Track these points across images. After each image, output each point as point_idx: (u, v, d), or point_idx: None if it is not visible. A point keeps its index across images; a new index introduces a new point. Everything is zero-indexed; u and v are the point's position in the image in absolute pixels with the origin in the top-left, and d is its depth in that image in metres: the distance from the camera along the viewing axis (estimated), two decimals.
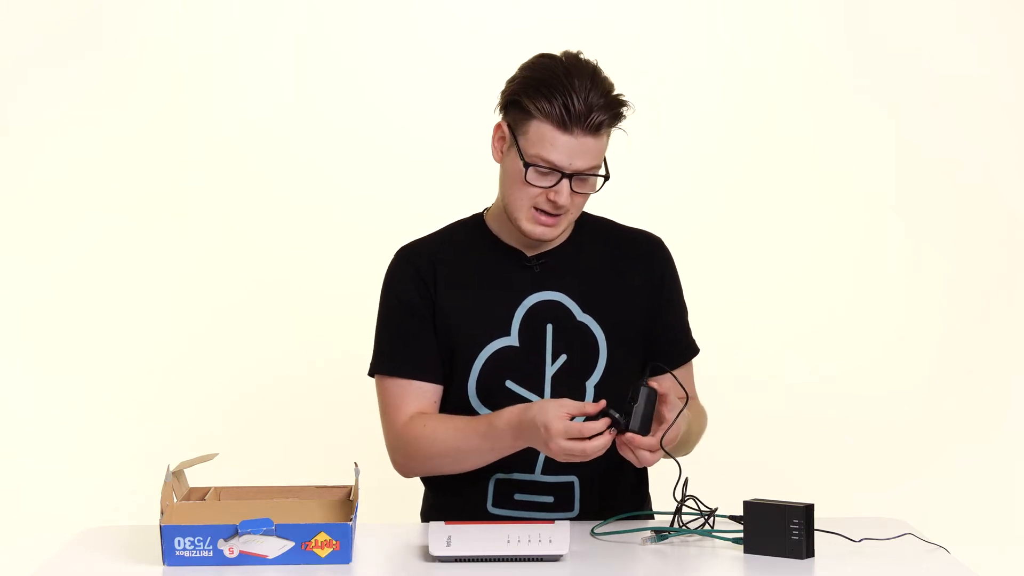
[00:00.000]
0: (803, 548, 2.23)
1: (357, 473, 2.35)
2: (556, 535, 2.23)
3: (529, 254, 2.56)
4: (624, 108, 2.46)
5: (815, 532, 2.25)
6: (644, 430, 2.32)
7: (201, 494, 2.41)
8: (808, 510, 2.24)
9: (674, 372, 2.51)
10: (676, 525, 2.35)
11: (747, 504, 2.28)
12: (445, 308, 2.55)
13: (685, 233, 4.16)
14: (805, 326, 4.17)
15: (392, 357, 2.55)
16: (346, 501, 2.36)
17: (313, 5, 4.14)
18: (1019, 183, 4.17)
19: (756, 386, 4.13)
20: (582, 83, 2.40)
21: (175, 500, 2.31)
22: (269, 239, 4.13)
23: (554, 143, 2.41)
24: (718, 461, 3.84)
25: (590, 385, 2.55)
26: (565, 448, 2.31)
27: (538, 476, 2.54)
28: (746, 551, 2.27)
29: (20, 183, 4.11)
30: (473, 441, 2.45)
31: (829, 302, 4.18)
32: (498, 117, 2.50)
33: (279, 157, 4.12)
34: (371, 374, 2.59)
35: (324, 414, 4.02)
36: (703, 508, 2.37)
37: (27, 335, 4.12)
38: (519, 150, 2.44)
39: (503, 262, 2.56)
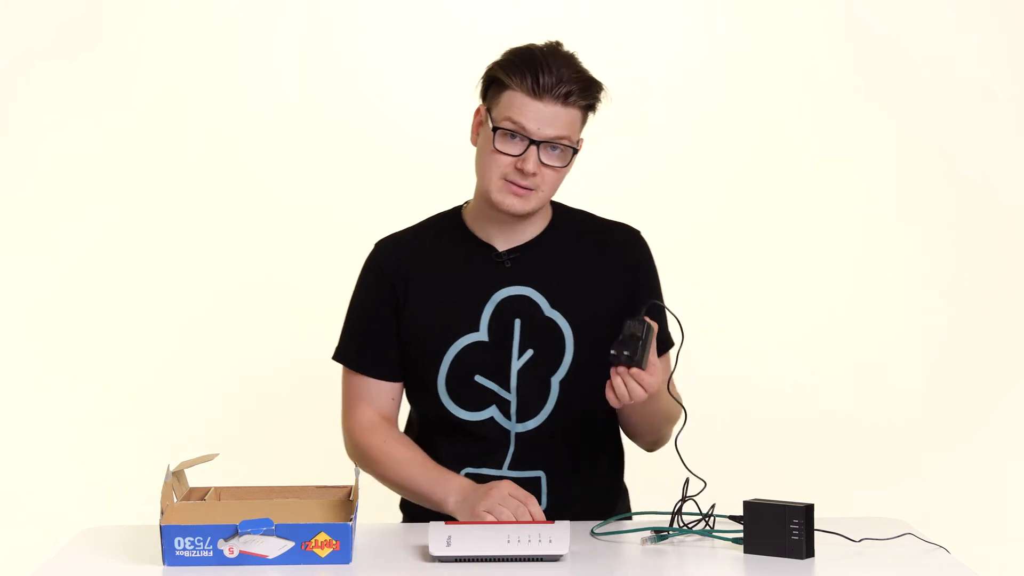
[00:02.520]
0: (803, 548, 2.23)
1: (357, 473, 2.35)
2: (556, 535, 2.23)
3: (501, 248, 2.58)
4: (597, 89, 2.52)
5: (815, 532, 2.25)
6: (642, 367, 2.36)
7: (201, 494, 2.41)
8: (808, 510, 2.24)
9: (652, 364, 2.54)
10: (676, 525, 2.35)
11: (747, 504, 2.28)
12: (415, 302, 2.57)
13: (685, 233, 4.17)
14: (805, 326, 4.17)
15: (355, 351, 2.63)
16: (346, 501, 2.36)
17: (313, 4, 4.14)
18: (1019, 183, 4.17)
19: (756, 386, 4.13)
20: (556, 60, 2.48)
21: (175, 500, 2.30)
22: (270, 238, 4.13)
23: (523, 108, 2.46)
24: (718, 461, 3.84)
25: (555, 380, 2.56)
26: (504, 497, 2.39)
27: (505, 471, 2.56)
28: (746, 551, 2.27)
29: (20, 183, 4.11)
30: (414, 475, 2.54)
31: (829, 302, 4.18)
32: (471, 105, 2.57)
33: (279, 156, 4.13)
34: (334, 358, 2.66)
35: (324, 414, 4.02)
36: (700, 509, 2.37)
37: (27, 335, 4.12)
38: (491, 120, 2.49)
39: (474, 257, 2.58)
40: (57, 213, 4.11)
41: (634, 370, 2.36)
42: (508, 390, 2.56)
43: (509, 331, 2.56)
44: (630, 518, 2.50)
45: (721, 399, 4.10)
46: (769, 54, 4.17)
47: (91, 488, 4.07)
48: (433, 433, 2.62)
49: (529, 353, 2.56)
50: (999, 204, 4.16)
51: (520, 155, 2.47)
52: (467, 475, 2.56)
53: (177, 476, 2.35)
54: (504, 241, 2.58)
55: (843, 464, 4.10)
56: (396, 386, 2.63)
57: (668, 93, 4.16)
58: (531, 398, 2.56)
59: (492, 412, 2.56)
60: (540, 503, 2.55)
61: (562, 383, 2.56)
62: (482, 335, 2.56)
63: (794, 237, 4.18)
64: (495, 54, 2.56)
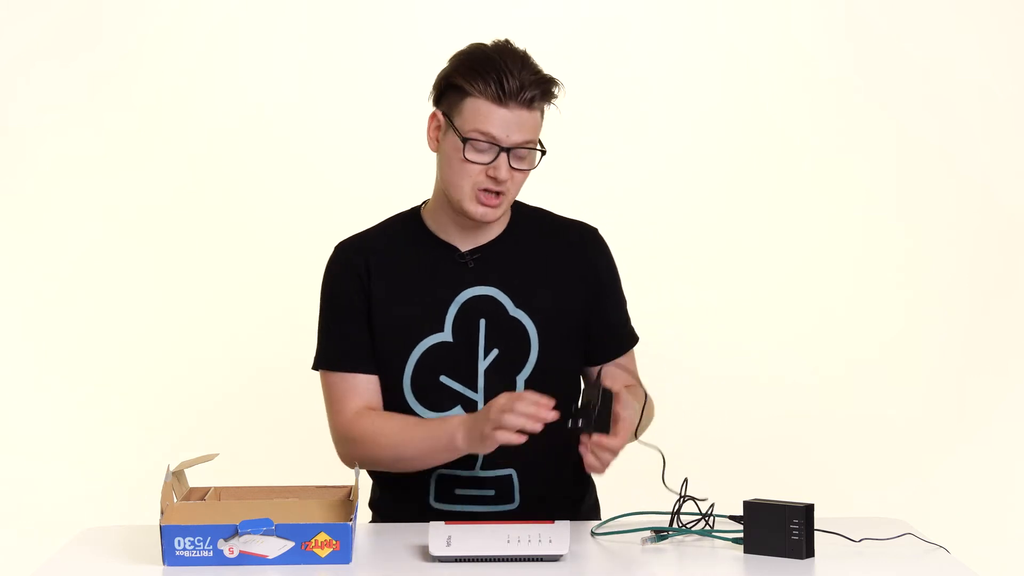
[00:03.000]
0: (803, 548, 2.23)
1: (357, 473, 2.35)
2: (556, 535, 2.23)
3: (463, 249, 2.58)
4: (554, 87, 2.50)
5: (815, 532, 2.25)
6: (606, 430, 2.34)
7: (201, 494, 2.41)
8: (808, 510, 2.24)
9: (619, 360, 2.61)
10: (676, 525, 2.35)
11: (747, 504, 2.28)
12: (379, 304, 2.57)
13: (685, 233, 4.17)
14: (805, 326, 4.17)
15: (332, 352, 2.60)
16: (346, 501, 2.36)
17: (313, 4, 4.14)
18: (1019, 183, 4.17)
19: (756, 386, 4.14)
20: (514, 62, 2.46)
21: (175, 500, 2.31)
22: (270, 238, 4.14)
23: (490, 117, 2.45)
24: (718, 461, 3.85)
25: (520, 379, 2.56)
26: (507, 405, 2.33)
27: (477, 472, 2.56)
28: (746, 551, 2.27)
29: (20, 183, 4.11)
30: (416, 433, 2.49)
31: (829, 302, 4.18)
32: (431, 109, 2.56)
33: (279, 156, 4.13)
34: (314, 368, 2.64)
35: (324, 414, 4.02)
36: (701, 508, 2.37)
37: (27, 335, 4.12)
38: (456, 131, 2.47)
39: (437, 258, 2.58)
40: (57, 213, 4.11)
41: (595, 437, 2.34)
42: (475, 390, 2.55)
43: (474, 331, 2.55)
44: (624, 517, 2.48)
45: (721, 399, 4.10)
46: (769, 54, 4.17)
47: (91, 488, 4.07)
48: None
49: (495, 353, 2.55)
50: (999, 204, 4.17)
51: (491, 163, 2.47)
52: (439, 476, 2.56)
53: (177, 476, 2.35)
54: (466, 241, 2.58)
55: (843, 464, 4.11)
56: (376, 380, 2.61)
57: (668, 93, 4.16)
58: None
59: (457, 412, 2.55)
60: (512, 500, 2.56)
61: (527, 382, 2.56)
62: (447, 335, 2.55)
63: (794, 237, 4.19)
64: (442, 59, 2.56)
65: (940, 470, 4.14)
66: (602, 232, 2.68)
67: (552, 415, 2.34)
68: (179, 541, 2.20)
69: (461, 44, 2.57)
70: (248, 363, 4.12)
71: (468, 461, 2.55)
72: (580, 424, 2.35)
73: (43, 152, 4.11)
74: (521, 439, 2.34)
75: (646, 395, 2.62)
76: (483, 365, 2.56)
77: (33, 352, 4.12)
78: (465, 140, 2.46)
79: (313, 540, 2.21)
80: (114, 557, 2.30)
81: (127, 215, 4.12)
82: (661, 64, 4.16)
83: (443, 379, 2.55)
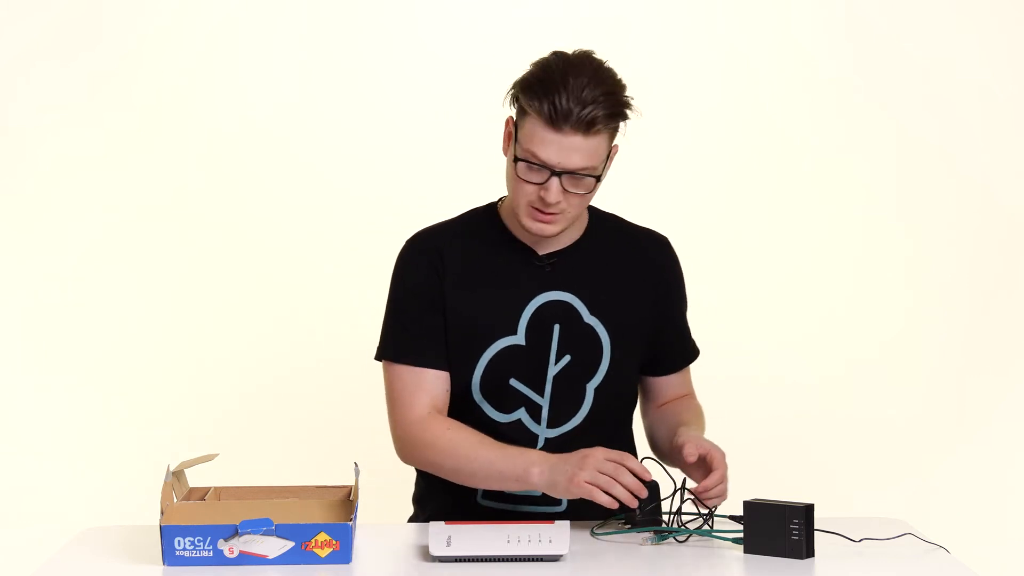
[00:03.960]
0: (803, 548, 2.23)
1: (357, 473, 2.35)
2: (556, 535, 2.23)
3: (540, 252, 2.55)
4: (622, 107, 2.42)
5: (815, 532, 2.25)
6: (657, 522, 2.36)
7: (201, 494, 2.41)
8: (808, 510, 2.24)
9: (678, 373, 2.64)
10: (676, 525, 2.35)
11: (747, 504, 2.28)
12: (453, 301, 2.54)
13: (685, 233, 4.15)
14: (805, 326, 4.17)
15: (402, 344, 2.54)
16: (346, 501, 2.36)
17: (313, 5, 4.14)
18: (1019, 183, 4.17)
19: (756, 386, 4.13)
20: (577, 81, 2.37)
21: (175, 500, 2.31)
22: (269, 238, 4.13)
23: (543, 140, 2.39)
24: None
25: (590, 387, 2.55)
26: (600, 462, 2.30)
27: None
28: (746, 551, 2.27)
29: (20, 183, 4.11)
30: (490, 455, 2.44)
31: (829, 302, 4.18)
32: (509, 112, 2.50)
33: (279, 157, 4.13)
34: (378, 358, 2.57)
35: (324, 414, 4.02)
36: (701, 509, 2.37)
37: (27, 335, 4.12)
38: (516, 145, 2.43)
39: (514, 259, 2.55)
40: (57, 213, 4.11)
41: (697, 488, 2.36)
42: (541, 395, 2.54)
43: (547, 336, 2.53)
44: (621, 519, 2.46)
45: (721, 399, 4.07)
46: (769, 54, 4.17)
47: (91, 488, 4.07)
48: None
49: (566, 359, 2.54)
50: (999, 204, 4.17)
51: (543, 183, 2.41)
52: None
53: (177, 476, 2.35)
54: (543, 245, 2.55)
55: (843, 464, 4.11)
56: (445, 376, 2.55)
57: (668, 93, 4.16)
58: (565, 404, 2.54)
59: (520, 415, 2.54)
60: (560, 502, 2.55)
61: (597, 390, 2.55)
62: (519, 339, 2.53)
63: (794, 237, 4.19)
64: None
65: (940, 470, 4.14)
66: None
67: (643, 493, 2.31)
68: (179, 541, 2.20)
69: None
70: (248, 363, 4.12)
71: None
72: (637, 515, 2.35)
73: (43, 152, 4.11)
74: (609, 503, 2.30)
75: (700, 410, 2.64)
76: (553, 371, 2.54)
77: (33, 352, 4.12)
78: (517, 160, 2.42)
79: (313, 540, 2.21)
80: (114, 557, 2.30)
81: (127, 215, 4.12)
82: (661, 64, 4.16)
83: (512, 382, 2.53)
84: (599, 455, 2.33)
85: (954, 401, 4.16)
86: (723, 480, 2.38)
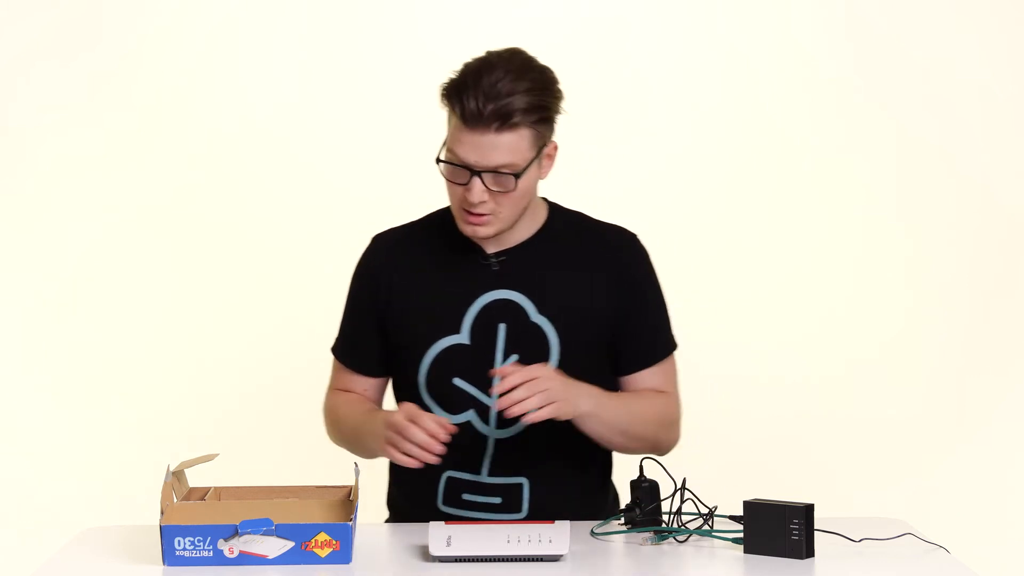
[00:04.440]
0: (803, 548, 2.23)
1: (357, 473, 2.35)
2: (556, 535, 2.23)
3: (490, 251, 2.54)
4: (544, 101, 2.40)
5: (815, 532, 2.25)
6: (657, 522, 2.36)
7: (201, 494, 2.41)
8: (808, 510, 2.24)
9: (648, 370, 2.56)
10: (676, 525, 2.35)
11: (747, 504, 2.28)
12: (401, 301, 2.56)
13: (685, 233, 4.17)
14: (805, 326, 4.17)
15: (343, 345, 2.66)
16: (346, 501, 2.36)
17: (313, 4, 4.14)
18: (1019, 183, 4.17)
19: (756, 386, 4.13)
20: (489, 78, 2.36)
21: (175, 500, 2.31)
22: (269, 238, 4.14)
23: (460, 140, 2.40)
24: (718, 461, 3.85)
25: None
26: (392, 423, 2.35)
27: (483, 478, 2.53)
28: (746, 551, 2.27)
29: (20, 183, 4.11)
30: (357, 416, 2.56)
31: (829, 302, 4.18)
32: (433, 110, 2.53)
33: (279, 157, 4.13)
34: (332, 350, 2.70)
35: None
36: (702, 508, 2.37)
37: (27, 335, 4.12)
38: (443, 148, 2.45)
39: (462, 259, 2.55)
40: (57, 213, 4.11)
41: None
42: (489, 395, 2.51)
43: (492, 335, 2.52)
44: (619, 519, 2.46)
45: (721, 399, 4.10)
46: (769, 54, 4.17)
47: (91, 488, 4.07)
48: None
49: (513, 358, 2.51)
50: (999, 204, 4.17)
51: (466, 184, 2.41)
52: (448, 479, 2.54)
53: (177, 476, 2.35)
54: (493, 243, 2.53)
55: (843, 464, 4.11)
56: (376, 381, 2.64)
57: (668, 93, 4.16)
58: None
59: (469, 416, 2.53)
60: (520, 510, 2.53)
61: None
62: (463, 338, 2.53)
63: (794, 237, 4.19)
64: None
65: (940, 470, 4.14)
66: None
67: (439, 448, 2.33)
68: (179, 541, 2.20)
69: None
70: (248, 363, 4.12)
71: (474, 465, 2.53)
72: (637, 515, 2.35)
73: (43, 152, 4.11)
74: (408, 462, 2.34)
75: (671, 407, 2.58)
76: None
77: (33, 352, 4.12)
78: (439, 161, 2.44)
79: (313, 540, 2.21)
80: (114, 557, 2.30)
81: (127, 215, 4.12)
82: (661, 64, 4.16)
83: (456, 382, 2.53)
84: (393, 416, 2.37)
85: (954, 401, 4.16)
86: (519, 377, 2.32)
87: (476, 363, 2.52)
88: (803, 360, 4.16)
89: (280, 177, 4.13)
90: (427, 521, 2.46)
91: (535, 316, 2.52)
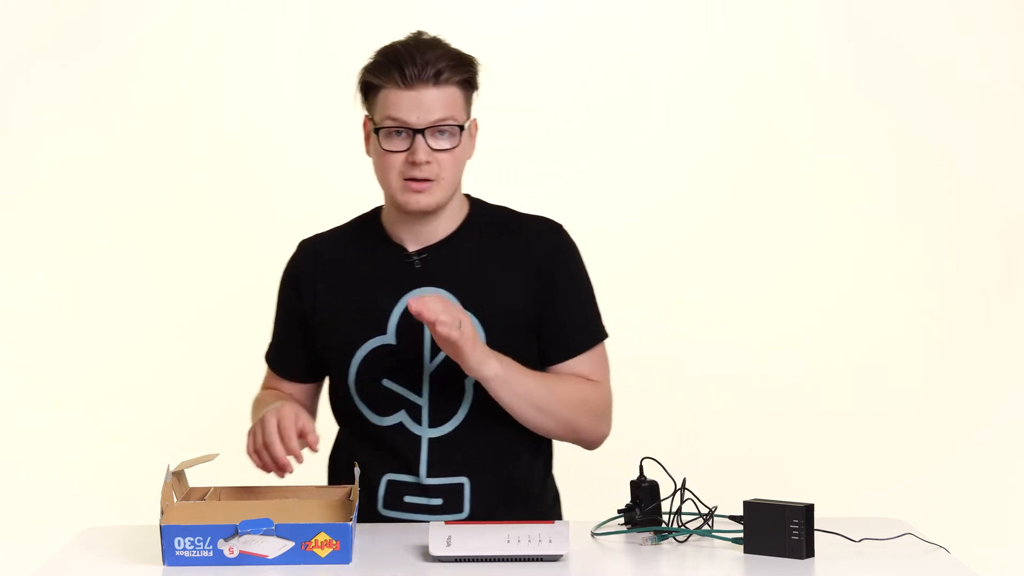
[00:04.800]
0: (803, 548, 2.23)
1: (357, 473, 2.35)
2: (556, 535, 2.23)
3: (412, 248, 2.54)
4: (468, 63, 2.49)
5: (815, 532, 2.25)
6: (657, 521, 2.36)
7: (201, 494, 2.41)
8: (808, 510, 2.24)
9: (575, 359, 2.53)
10: (676, 525, 2.35)
11: (747, 504, 2.28)
12: (327, 306, 2.57)
13: (685, 232, 4.18)
14: (805, 326, 4.17)
15: (272, 351, 2.71)
16: (346, 501, 2.36)
17: (313, 4, 4.14)
18: (1019, 183, 4.17)
19: (756, 384, 4.14)
20: (418, 44, 2.49)
21: (175, 500, 2.30)
22: (269, 239, 4.13)
23: (398, 101, 2.44)
24: (718, 461, 3.85)
25: (469, 383, 2.50)
26: (260, 429, 2.38)
27: (423, 479, 2.50)
28: (746, 551, 2.27)
29: (20, 183, 4.11)
30: (257, 408, 2.61)
31: (829, 302, 4.18)
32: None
33: (279, 156, 4.13)
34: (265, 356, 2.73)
35: (324, 414, 4.02)
36: (702, 508, 2.37)
37: (27, 334, 4.12)
38: (374, 124, 2.48)
39: (385, 258, 2.55)
40: (57, 213, 4.11)
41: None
42: (419, 394, 2.51)
43: (420, 334, 2.50)
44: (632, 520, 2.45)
45: (721, 398, 4.10)
46: (769, 54, 4.17)
47: (91, 488, 4.07)
48: (354, 441, 2.58)
49: (442, 356, 2.49)
50: (999, 204, 4.17)
51: (408, 149, 2.45)
52: (388, 482, 2.53)
53: (177, 476, 2.35)
54: (415, 241, 2.54)
55: (843, 464, 4.11)
56: (304, 387, 2.66)
57: (668, 93, 4.16)
58: (445, 402, 2.50)
59: (401, 417, 2.51)
60: (462, 511, 2.52)
61: (477, 384, 2.48)
62: (389, 338, 2.52)
63: (794, 237, 4.19)
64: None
65: (940, 470, 4.14)
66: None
67: (291, 470, 2.35)
68: (179, 541, 2.20)
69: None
70: (249, 363, 4.11)
71: (411, 467, 2.51)
72: (637, 515, 2.35)
73: (43, 152, 4.11)
74: (264, 468, 2.38)
75: (596, 395, 2.55)
76: (430, 368, 2.50)
77: (33, 352, 4.12)
78: (379, 130, 2.46)
79: (313, 540, 2.21)
80: (114, 557, 2.30)
81: (127, 215, 4.13)
82: (661, 64, 4.17)
83: (385, 383, 2.52)
84: (267, 421, 2.37)
85: (954, 401, 4.17)
86: (438, 310, 2.32)
87: (404, 363, 2.51)
88: (803, 360, 4.16)
89: (280, 177, 4.13)
90: (446, 520, 2.46)
91: None
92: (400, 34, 2.60)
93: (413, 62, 2.45)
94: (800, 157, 4.18)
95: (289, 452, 2.36)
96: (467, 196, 2.59)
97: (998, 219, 4.16)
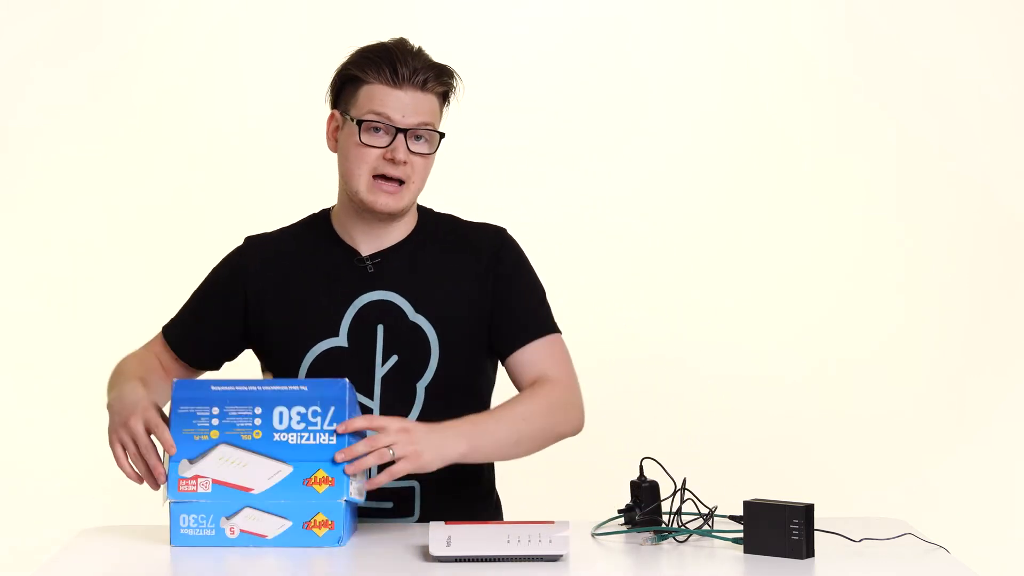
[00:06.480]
0: (803, 548, 2.23)
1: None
2: (556, 535, 2.23)
3: (365, 252, 2.55)
4: (450, 76, 2.53)
5: (815, 532, 2.25)
6: (657, 521, 2.36)
7: None
8: (808, 510, 2.24)
9: (530, 351, 2.52)
10: (676, 525, 2.36)
11: (747, 504, 2.28)
12: (275, 307, 2.56)
13: (685, 233, 4.18)
14: (805, 326, 4.17)
15: (175, 325, 2.68)
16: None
17: (313, 4, 4.14)
18: (1019, 183, 4.17)
19: (756, 385, 4.14)
20: (407, 52, 2.51)
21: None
22: None
23: (385, 99, 2.48)
24: (718, 461, 3.85)
25: (420, 386, 2.51)
26: (126, 426, 2.34)
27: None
28: (746, 551, 2.27)
29: (20, 183, 4.11)
30: (127, 377, 2.52)
31: (829, 302, 4.18)
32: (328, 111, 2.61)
33: (279, 156, 4.13)
34: (163, 329, 2.70)
35: None
36: (702, 508, 2.37)
37: (27, 334, 4.12)
38: (351, 119, 2.50)
39: (338, 261, 2.55)
40: (57, 214, 4.11)
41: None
42: (371, 398, 2.51)
43: (371, 337, 2.51)
44: (633, 519, 2.46)
45: (721, 399, 4.10)
46: (769, 54, 4.17)
47: (91, 488, 4.07)
48: None
49: (393, 359, 2.51)
50: (999, 204, 4.17)
51: (388, 146, 2.47)
52: None
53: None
54: (368, 245, 2.55)
55: (843, 464, 4.11)
56: (183, 368, 2.65)
57: (668, 93, 4.16)
58: (395, 406, 2.50)
59: None
60: (412, 514, 2.52)
61: (428, 389, 2.51)
62: (341, 341, 2.52)
63: (794, 237, 4.19)
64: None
65: (940, 470, 4.14)
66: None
67: (154, 487, 2.33)
68: (184, 519, 2.27)
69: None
70: (249, 363, 4.11)
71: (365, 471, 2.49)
72: (637, 515, 2.36)
73: (43, 152, 4.11)
74: (128, 473, 2.36)
75: (560, 391, 2.51)
76: (380, 372, 2.51)
77: (33, 351, 4.12)
78: (360, 122, 2.48)
79: (312, 520, 2.25)
80: (114, 557, 2.30)
81: (127, 215, 4.13)
82: (661, 64, 4.17)
83: None
84: (135, 423, 2.34)
85: (954, 401, 4.17)
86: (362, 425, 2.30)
87: (355, 366, 2.50)
88: (803, 360, 4.16)
89: (280, 177, 4.13)
90: (445, 520, 2.46)
91: (413, 316, 2.53)
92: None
93: (405, 63, 2.48)
94: (800, 157, 4.18)
95: (153, 468, 2.33)
96: (416, 205, 2.62)
97: (998, 219, 4.16)
